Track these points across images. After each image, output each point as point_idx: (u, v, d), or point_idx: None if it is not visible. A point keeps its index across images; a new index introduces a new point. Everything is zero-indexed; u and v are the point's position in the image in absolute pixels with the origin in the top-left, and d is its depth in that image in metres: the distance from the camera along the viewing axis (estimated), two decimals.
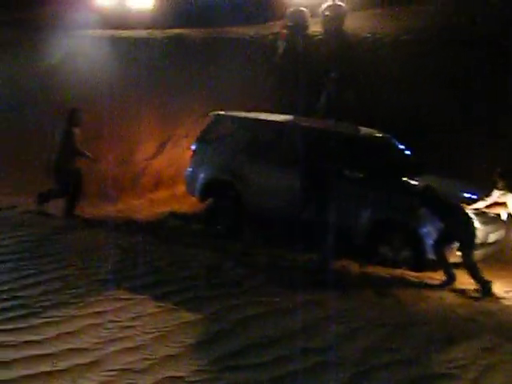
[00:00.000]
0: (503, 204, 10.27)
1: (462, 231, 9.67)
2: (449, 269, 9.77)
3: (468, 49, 15.32)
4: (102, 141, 15.32)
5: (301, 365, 6.29)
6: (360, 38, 17.66)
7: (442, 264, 9.84)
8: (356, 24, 18.43)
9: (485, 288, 9.36)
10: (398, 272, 10.04)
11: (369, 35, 17.66)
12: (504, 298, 9.19)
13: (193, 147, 12.72)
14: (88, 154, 12.42)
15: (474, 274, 9.50)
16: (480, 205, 10.34)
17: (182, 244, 10.53)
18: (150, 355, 6.29)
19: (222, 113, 12.81)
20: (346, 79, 14.48)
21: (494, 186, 10.36)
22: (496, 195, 10.27)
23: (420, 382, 6.17)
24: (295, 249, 10.33)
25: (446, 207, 9.74)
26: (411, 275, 9.89)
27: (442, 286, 9.52)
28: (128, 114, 15.85)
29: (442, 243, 9.83)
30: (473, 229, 9.66)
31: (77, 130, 12.22)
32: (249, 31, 18.95)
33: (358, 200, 10.87)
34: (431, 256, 10.06)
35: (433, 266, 10.09)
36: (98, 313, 7.28)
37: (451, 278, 9.66)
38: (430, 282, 9.71)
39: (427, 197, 9.84)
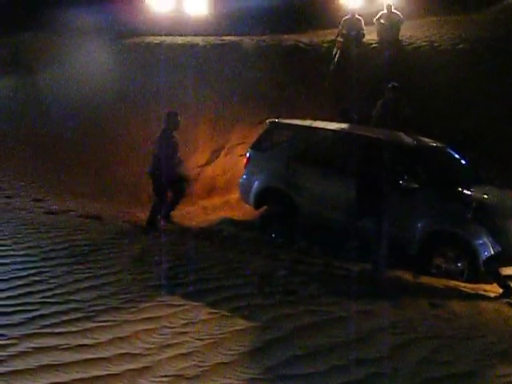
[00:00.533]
0: None
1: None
2: (503, 282, 9.60)
3: None
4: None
5: (354, 376, 6.20)
6: (416, 46, 17.55)
7: (495, 278, 9.67)
8: (412, 32, 18.32)
9: None
10: (453, 283, 9.91)
11: (425, 43, 17.53)
12: None
13: (247, 154, 12.73)
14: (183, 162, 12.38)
15: None
16: None
17: (235, 251, 10.52)
18: (203, 362, 6.25)
19: (278, 120, 12.81)
20: (402, 88, 14.32)
21: None
22: None
23: None
24: (349, 258, 10.26)
25: (497, 227, 9.58)
26: (466, 287, 9.75)
27: (498, 299, 9.34)
28: (183, 121, 15.94)
29: (495, 260, 9.67)
30: None
31: (175, 134, 12.04)
32: (304, 39, 18.96)
33: (412, 210, 10.77)
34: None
35: (488, 279, 9.94)
36: (151, 318, 7.27)
37: (508, 291, 9.48)
38: (485, 294, 9.57)
39: (478, 215, 9.71)
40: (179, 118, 12.12)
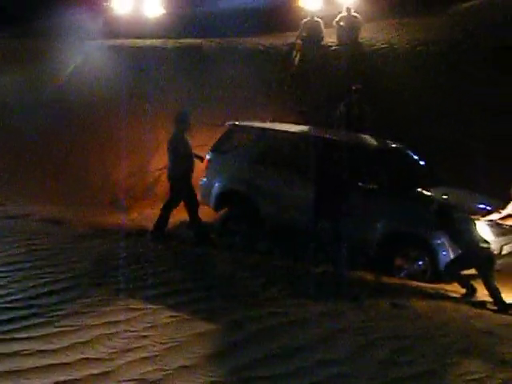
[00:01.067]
0: None
1: (473, 256, 9.58)
2: (465, 282, 9.69)
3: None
4: (115, 150, 15.35)
5: (317, 377, 6.22)
6: (375, 48, 17.67)
7: (456, 279, 9.76)
8: (371, 34, 18.44)
9: (504, 309, 9.25)
10: (414, 284, 9.97)
11: (384, 45, 17.66)
12: None
13: (208, 157, 12.70)
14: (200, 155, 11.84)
15: (494, 295, 9.38)
16: (494, 217, 10.30)
17: (196, 254, 10.48)
18: (165, 366, 6.22)
19: (238, 123, 12.79)
20: (364, 90, 14.41)
21: (509, 199, 10.30)
22: (511, 208, 10.22)
23: None
24: (311, 260, 10.26)
25: (457, 232, 9.66)
26: (427, 287, 9.82)
27: (462, 299, 9.42)
28: (142, 124, 15.83)
29: (455, 262, 9.76)
30: (487, 253, 9.56)
31: (187, 136, 11.58)
32: (264, 42, 18.99)
33: (372, 211, 10.81)
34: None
35: (447, 279, 10.03)
36: (112, 322, 7.22)
37: (472, 291, 9.57)
38: (446, 293, 9.64)
39: (441, 218, 9.77)
40: (189, 117, 11.71)
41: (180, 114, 11.73)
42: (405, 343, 7.31)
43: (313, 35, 18.19)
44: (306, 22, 18.43)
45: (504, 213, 10.29)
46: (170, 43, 19.17)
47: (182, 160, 11.32)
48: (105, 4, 20.38)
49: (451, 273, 9.76)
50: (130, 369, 6.11)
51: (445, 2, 20.15)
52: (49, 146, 16.39)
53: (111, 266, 9.37)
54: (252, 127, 12.67)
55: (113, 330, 7.00)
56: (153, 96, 16.59)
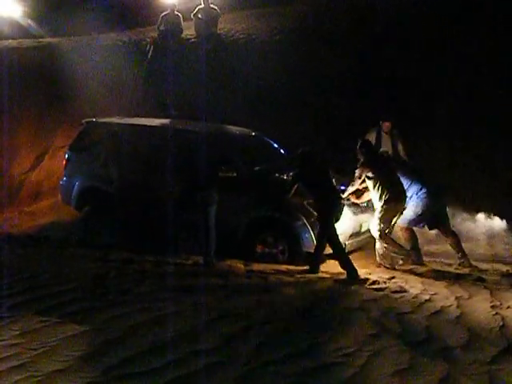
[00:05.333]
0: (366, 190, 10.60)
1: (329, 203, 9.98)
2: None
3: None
4: None
5: (192, 367, 6.23)
6: (234, 39, 17.83)
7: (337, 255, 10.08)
8: (230, 26, 18.60)
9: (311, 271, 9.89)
10: (284, 267, 10.15)
11: (243, 36, 17.85)
12: (387, 286, 9.38)
13: (66, 156, 12.49)
14: None
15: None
16: (345, 194, 10.62)
17: (64, 256, 10.28)
18: (38, 372, 6.07)
19: (94, 120, 12.65)
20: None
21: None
22: (357, 183, 10.55)
23: (311, 373, 6.20)
24: (180, 252, 10.29)
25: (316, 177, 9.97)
26: (295, 270, 10.02)
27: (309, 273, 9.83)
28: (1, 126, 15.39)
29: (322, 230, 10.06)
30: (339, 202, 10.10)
31: None
32: (124, 37, 18.82)
33: (232, 199, 10.88)
34: (306, 249, 10.28)
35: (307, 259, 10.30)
36: None
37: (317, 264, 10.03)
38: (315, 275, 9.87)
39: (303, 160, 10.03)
40: None
41: None
42: (279, 327, 7.41)
43: (171, 28, 18.17)
44: (164, 16, 18.40)
45: (350, 189, 10.60)
46: (27, 43, 18.69)
47: None
48: None
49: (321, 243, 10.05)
50: (1, 379, 5.94)
51: None
52: None
53: None
54: (107, 123, 12.52)
55: None
56: (8, 98, 16.10)
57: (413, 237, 10.84)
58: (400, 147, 12.40)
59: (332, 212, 10.02)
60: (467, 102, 14.92)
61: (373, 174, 10.30)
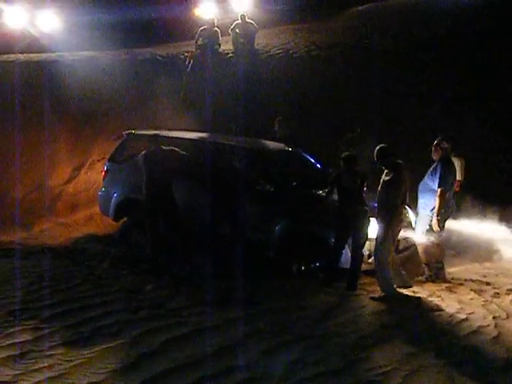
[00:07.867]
0: None
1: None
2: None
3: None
4: (15, 167, 15.01)
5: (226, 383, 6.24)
6: (271, 54, 17.90)
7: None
8: (267, 41, 18.67)
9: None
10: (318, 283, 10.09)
11: (280, 51, 17.91)
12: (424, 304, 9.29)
13: (105, 167, 12.58)
14: None
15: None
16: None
17: (100, 268, 10.34)
18: (73, 383, 6.13)
19: (134, 131, 12.72)
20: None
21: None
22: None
23: None
24: (216, 265, 10.27)
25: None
26: (333, 286, 9.95)
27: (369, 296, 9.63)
28: (41, 140, 15.55)
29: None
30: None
31: None
32: (161, 51, 18.97)
33: (270, 213, 10.86)
34: (343, 265, 10.17)
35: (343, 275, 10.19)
36: (17, 343, 7.06)
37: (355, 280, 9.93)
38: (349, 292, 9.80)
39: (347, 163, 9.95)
40: None
41: None
42: (312, 343, 7.39)
43: (209, 43, 18.28)
44: (202, 30, 18.53)
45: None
46: (66, 57, 18.88)
47: None
48: None
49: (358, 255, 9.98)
50: None
51: (341, 6, 20.62)
52: None
53: (14, 286, 9.12)
54: (147, 135, 12.55)
55: (18, 351, 6.85)
56: (50, 111, 16.28)
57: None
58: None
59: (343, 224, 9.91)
60: None
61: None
